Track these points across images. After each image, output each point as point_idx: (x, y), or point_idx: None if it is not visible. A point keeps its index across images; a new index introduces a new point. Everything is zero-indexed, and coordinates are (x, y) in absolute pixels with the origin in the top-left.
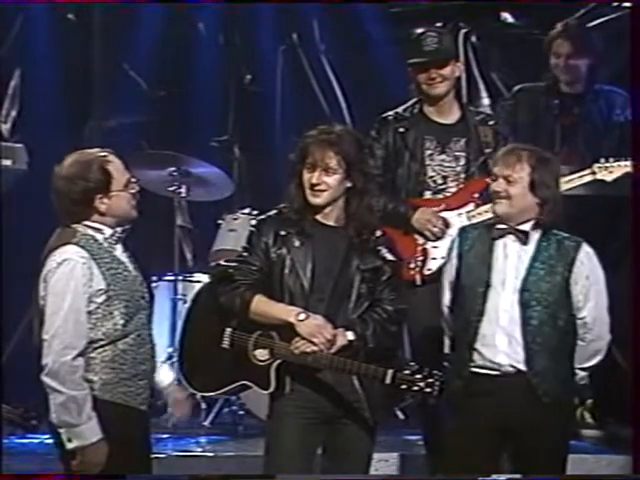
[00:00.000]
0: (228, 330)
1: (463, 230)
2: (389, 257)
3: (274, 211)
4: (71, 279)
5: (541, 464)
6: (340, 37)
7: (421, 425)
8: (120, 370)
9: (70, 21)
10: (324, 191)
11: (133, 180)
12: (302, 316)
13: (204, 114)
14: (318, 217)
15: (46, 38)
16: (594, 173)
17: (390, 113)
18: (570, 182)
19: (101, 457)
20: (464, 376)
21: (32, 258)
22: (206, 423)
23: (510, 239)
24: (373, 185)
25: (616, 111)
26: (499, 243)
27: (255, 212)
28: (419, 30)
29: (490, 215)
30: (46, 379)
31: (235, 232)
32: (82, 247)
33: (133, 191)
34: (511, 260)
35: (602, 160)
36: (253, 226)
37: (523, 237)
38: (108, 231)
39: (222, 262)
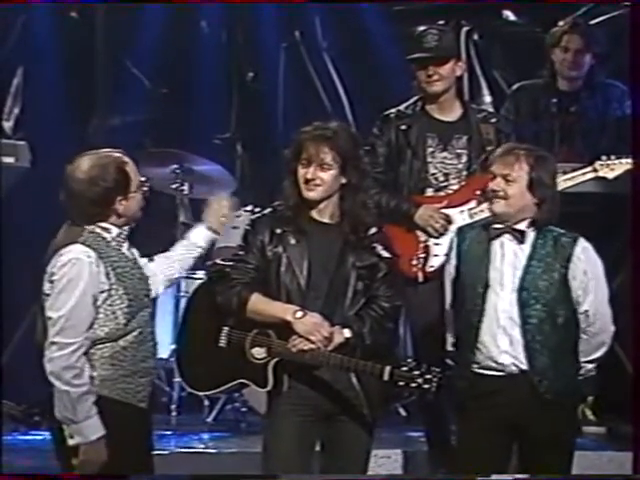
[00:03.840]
0: (225, 329)
1: (461, 230)
2: (384, 254)
3: (269, 209)
4: (79, 280)
5: (547, 461)
6: (342, 35)
7: (422, 422)
8: (120, 367)
9: (73, 19)
10: (319, 186)
11: (144, 180)
12: (299, 314)
13: (206, 112)
14: (313, 214)
15: (49, 36)
16: (595, 170)
17: (392, 110)
18: (571, 179)
19: (102, 455)
20: (468, 377)
21: (34, 257)
22: (209, 420)
23: (507, 238)
24: (368, 182)
25: (613, 105)
26: (496, 243)
27: (257, 209)
28: (421, 27)
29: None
30: (49, 376)
31: (238, 229)
32: (89, 246)
33: (144, 191)
34: (508, 259)
35: (604, 157)
36: (248, 225)
37: (519, 236)
38: (115, 230)
39: (218, 261)
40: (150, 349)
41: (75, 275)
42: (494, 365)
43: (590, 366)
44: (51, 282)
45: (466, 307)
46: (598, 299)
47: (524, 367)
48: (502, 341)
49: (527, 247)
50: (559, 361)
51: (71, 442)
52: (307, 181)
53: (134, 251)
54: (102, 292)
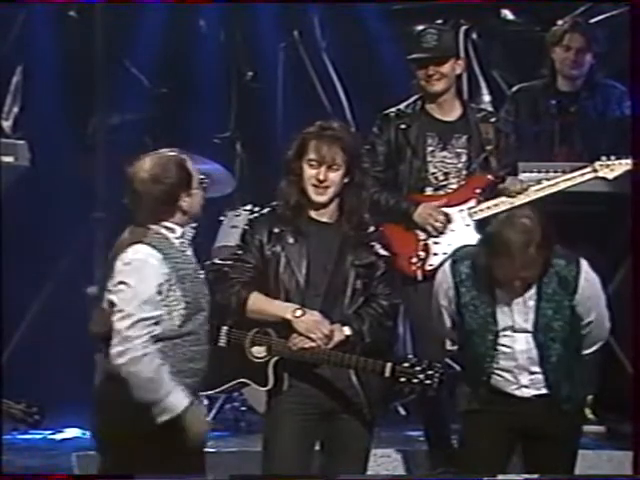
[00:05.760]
0: (224, 328)
1: (455, 264)
2: (383, 252)
3: (267, 208)
4: (147, 277)
5: (554, 461)
6: (341, 34)
7: (422, 421)
8: (166, 363)
9: (72, 18)
10: (328, 188)
11: (202, 177)
12: (299, 312)
13: (206, 111)
14: (312, 213)
15: (48, 35)
16: (595, 171)
17: (392, 110)
18: (571, 180)
19: (198, 423)
20: (481, 398)
21: (34, 256)
22: (208, 419)
23: None
24: (369, 180)
25: (612, 106)
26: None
27: (257, 209)
28: (420, 27)
29: (492, 212)
30: (122, 367)
31: (237, 228)
32: (154, 247)
33: (204, 187)
34: (516, 304)
35: (603, 158)
36: (246, 224)
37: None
38: (179, 230)
39: (217, 260)
40: (201, 351)
41: (142, 276)
42: (510, 395)
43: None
44: (121, 283)
45: (476, 351)
46: (599, 308)
47: (542, 393)
48: (522, 377)
49: (533, 288)
50: (577, 377)
51: (164, 419)
52: (318, 182)
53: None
54: (161, 292)
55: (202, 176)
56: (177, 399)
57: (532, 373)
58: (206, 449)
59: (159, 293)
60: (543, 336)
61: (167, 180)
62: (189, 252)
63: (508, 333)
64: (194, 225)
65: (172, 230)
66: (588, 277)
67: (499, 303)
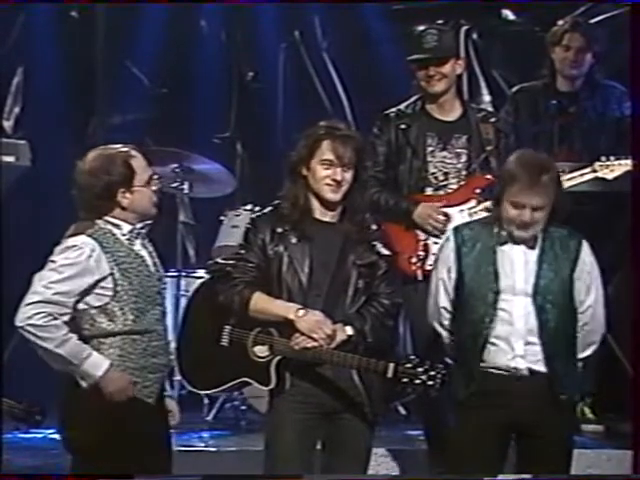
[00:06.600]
0: (227, 327)
1: (457, 230)
2: (384, 252)
3: (270, 208)
4: (76, 264)
5: (550, 459)
6: (342, 34)
7: (422, 420)
8: (128, 359)
9: (73, 18)
10: (343, 187)
11: (155, 177)
12: (301, 312)
13: (206, 111)
14: (316, 214)
15: (49, 35)
16: (595, 171)
17: (392, 110)
18: (571, 180)
19: (119, 383)
20: (475, 377)
21: (34, 256)
22: (209, 418)
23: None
24: (369, 179)
25: (612, 106)
26: (504, 247)
27: (257, 208)
28: (420, 27)
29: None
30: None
31: (237, 228)
32: (95, 239)
33: (155, 188)
34: (518, 264)
35: (603, 158)
36: (249, 223)
37: (532, 242)
38: (127, 227)
39: (219, 260)
40: (162, 346)
41: (71, 261)
42: (505, 368)
43: (579, 364)
44: (50, 261)
45: (475, 313)
46: (597, 300)
47: (539, 369)
48: (518, 345)
49: (535, 250)
50: (570, 361)
51: (84, 385)
52: (335, 183)
53: (151, 249)
54: (106, 288)
55: (155, 176)
56: (94, 363)
57: (528, 343)
58: (172, 448)
59: (95, 287)
60: (542, 299)
61: (104, 175)
62: (137, 247)
63: (507, 297)
64: (148, 222)
65: (118, 226)
66: (590, 254)
67: (501, 262)
